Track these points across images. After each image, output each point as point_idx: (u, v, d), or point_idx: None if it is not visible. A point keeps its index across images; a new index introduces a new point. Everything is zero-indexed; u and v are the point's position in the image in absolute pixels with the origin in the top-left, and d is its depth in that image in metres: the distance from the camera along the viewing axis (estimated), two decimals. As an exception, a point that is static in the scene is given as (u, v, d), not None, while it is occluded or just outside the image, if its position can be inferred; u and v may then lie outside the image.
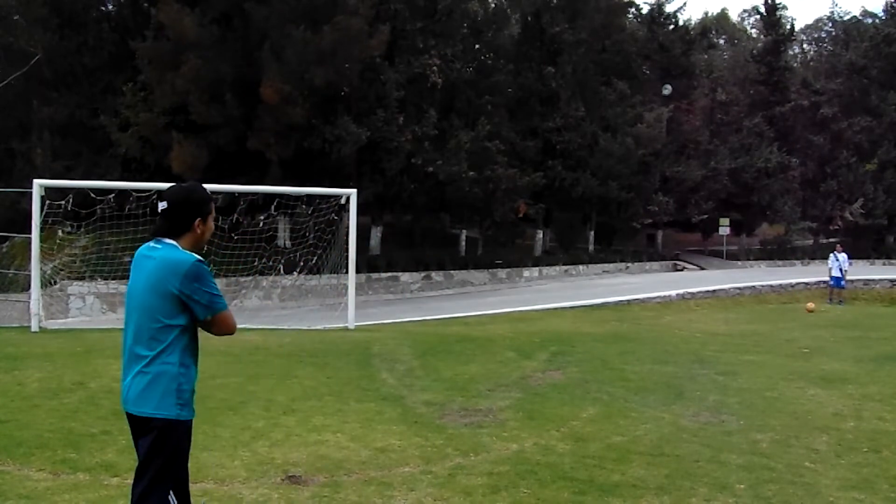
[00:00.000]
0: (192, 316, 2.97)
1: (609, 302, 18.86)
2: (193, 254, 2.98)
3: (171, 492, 2.98)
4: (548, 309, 17.52)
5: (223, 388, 7.57)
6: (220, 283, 20.84)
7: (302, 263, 16.73)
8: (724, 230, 35.82)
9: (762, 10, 42.66)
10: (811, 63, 47.57)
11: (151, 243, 3.05)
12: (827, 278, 21.50)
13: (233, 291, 20.30)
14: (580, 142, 29.22)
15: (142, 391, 2.93)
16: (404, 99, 23.56)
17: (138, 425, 2.98)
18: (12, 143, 23.11)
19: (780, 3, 41.73)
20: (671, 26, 37.40)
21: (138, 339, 2.97)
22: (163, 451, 2.95)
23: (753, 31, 60.02)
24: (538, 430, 6.20)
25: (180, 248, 2.99)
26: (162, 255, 2.97)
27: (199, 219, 3.04)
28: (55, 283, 17.01)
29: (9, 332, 11.82)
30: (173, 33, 20.45)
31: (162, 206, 3.03)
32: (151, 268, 2.97)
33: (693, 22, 47.40)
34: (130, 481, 4.70)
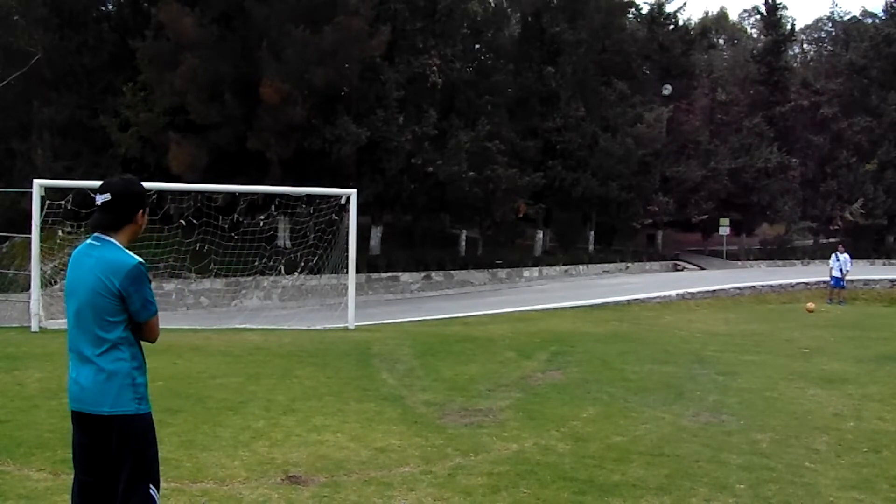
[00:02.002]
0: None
1: (609, 302, 18.85)
2: (135, 256, 2.99)
3: (150, 486, 2.96)
4: (548, 309, 17.51)
5: (223, 388, 7.57)
6: (220, 283, 20.88)
7: (302, 263, 16.74)
8: (724, 230, 35.80)
9: (762, 10, 42.69)
10: (811, 63, 47.53)
11: (91, 241, 3.03)
12: (827, 278, 21.49)
13: (233, 291, 20.32)
14: (580, 142, 29.22)
15: (98, 390, 2.92)
16: (404, 99, 23.57)
17: (95, 425, 2.94)
18: (12, 143, 23.12)
19: (780, 3, 41.74)
20: (671, 26, 37.39)
21: (86, 338, 2.97)
22: (130, 448, 2.92)
23: (753, 31, 60.03)
24: (538, 430, 6.20)
25: (120, 245, 3.00)
26: (103, 253, 2.97)
27: (141, 210, 3.06)
28: (55, 283, 16.99)
29: (9, 332, 11.82)
30: (173, 33, 20.47)
31: (104, 198, 2.99)
32: (92, 266, 2.96)
33: (693, 22, 47.40)
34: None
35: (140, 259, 2.98)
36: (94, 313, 2.93)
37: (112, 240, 3.00)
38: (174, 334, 11.62)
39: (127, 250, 3.00)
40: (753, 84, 39.64)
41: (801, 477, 5.08)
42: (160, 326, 3.14)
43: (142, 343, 3.08)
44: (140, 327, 3.01)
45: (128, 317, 2.95)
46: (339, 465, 5.16)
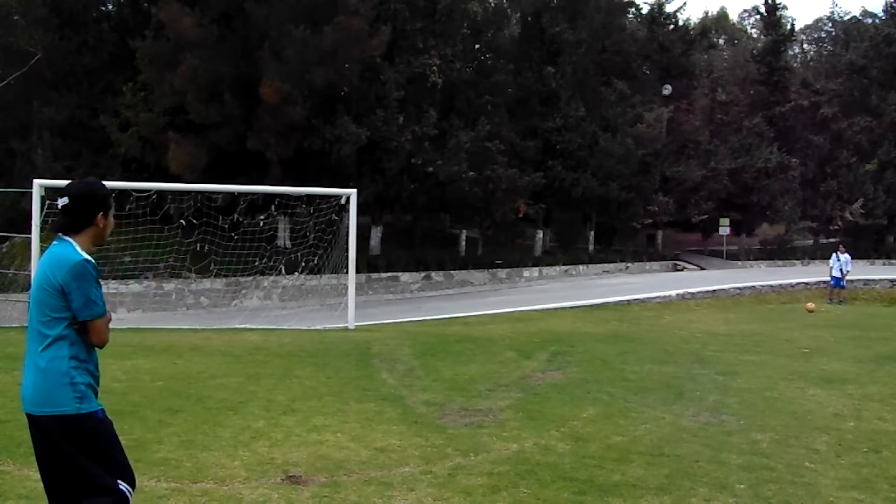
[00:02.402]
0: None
1: (609, 302, 18.85)
2: (83, 253, 2.94)
3: (118, 481, 2.91)
4: (548, 309, 17.51)
5: (223, 388, 7.57)
6: (220, 283, 20.86)
7: (303, 263, 16.75)
8: (724, 230, 35.82)
9: (762, 10, 42.72)
10: (811, 63, 47.56)
11: (54, 241, 3.02)
12: (827, 278, 21.48)
13: (233, 291, 20.32)
14: (580, 142, 29.23)
15: (37, 389, 2.90)
16: (404, 99, 23.57)
17: (39, 425, 2.91)
18: (12, 143, 23.12)
19: (780, 3, 41.79)
20: (671, 26, 37.42)
21: (32, 335, 2.96)
22: (78, 448, 2.87)
23: (753, 31, 60.03)
24: (538, 430, 6.19)
25: (76, 245, 2.96)
26: (54, 250, 2.96)
27: (101, 213, 3.02)
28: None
29: (9, 332, 11.81)
30: (173, 33, 20.48)
31: (62, 201, 2.98)
32: (43, 264, 2.96)
33: (693, 22, 47.44)
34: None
35: (88, 257, 2.93)
36: (38, 309, 2.92)
37: (70, 240, 2.97)
38: (174, 334, 11.60)
39: (79, 249, 2.95)
40: (753, 84, 39.66)
41: (801, 477, 5.07)
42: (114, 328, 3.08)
43: (91, 343, 3.01)
44: (86, 328, 2.94)
45: (72, 315, 2.90)
46: (339, 465, 5.16)
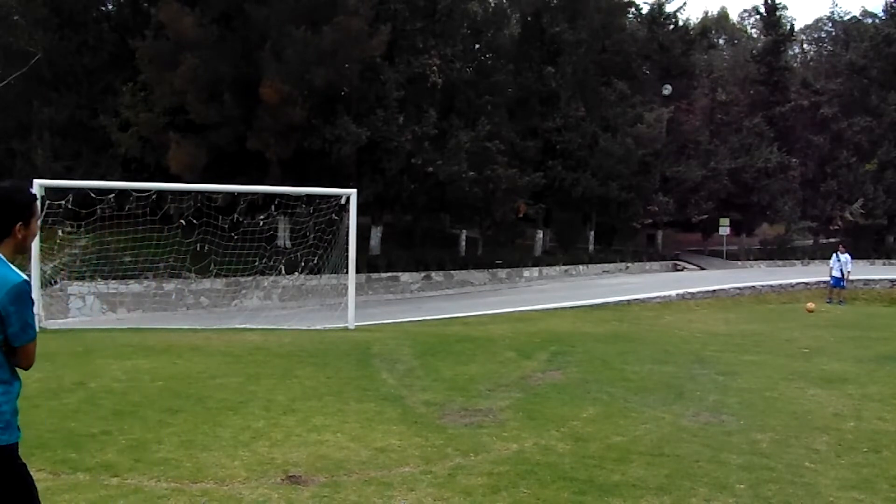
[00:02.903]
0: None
1: (609, 302, 18.86)
2: (21, 273, 2.73)
3: None
4: (548, 309, 17.51)
5: (223, 388, 7.57)
6: (220, 283, 20.84)
7: (303, 263, 16.75)
8: (724, 230, 35.82)
9: (762, 10, 42.72)
10: (811, 63, 47.55)
11: None
12: (827, 278, 21.49)
13: (233, 291, 20.32)
14: (580, 142, 29.24)
15: None
16: (404, 99, 23.57)
17: None
18: (12, 143, 23.13)
19: (780, 3, 41.80)
20: (671, 26, 37.42)
21: None
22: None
23: (753, 31, 60.03)
24: (538, 430, 6.20)
25: (5, 260, 2.73)
26: None
27: (20, 223, 2.76)
28: (55, 283, 17.00)
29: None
30: (173, 33, 20.49)
31: None
32: None
33: (693, 22, 47.45)
34: (131, 481, 4.74)
35: (25, 276, 2.73)
36: None
37: None
38: (174, 334, 11.59)
39: (12, 266, 2.72)
40: (753, 84, 39.68)
41: (801, 477, 5.08)
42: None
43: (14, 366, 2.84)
44: (15, 352, 2.74)
45: (4, 339, 2.70)
46: (339, 465, 5.16)
